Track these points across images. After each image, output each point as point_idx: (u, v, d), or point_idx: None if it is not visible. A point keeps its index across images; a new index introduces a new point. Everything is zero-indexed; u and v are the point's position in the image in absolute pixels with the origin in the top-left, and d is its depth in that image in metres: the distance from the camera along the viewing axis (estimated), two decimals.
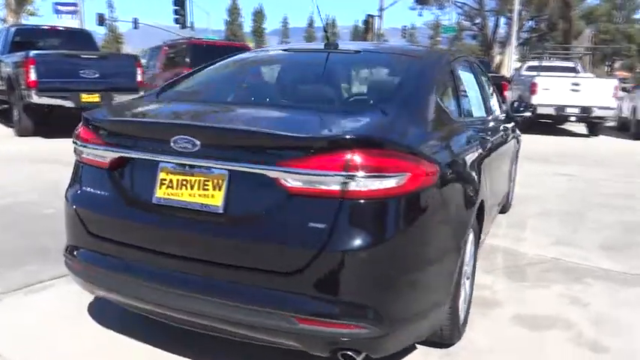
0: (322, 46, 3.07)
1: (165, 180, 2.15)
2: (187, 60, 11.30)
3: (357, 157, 1.88)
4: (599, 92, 12.42)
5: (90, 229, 2.32)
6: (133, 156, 2.23)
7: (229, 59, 3.27)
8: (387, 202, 1.93)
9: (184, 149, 2.06)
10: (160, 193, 2.16)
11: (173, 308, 2.12)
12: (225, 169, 2.03)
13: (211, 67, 3.17)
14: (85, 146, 2.36)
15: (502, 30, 38.05)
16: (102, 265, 2.28)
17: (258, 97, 2.93)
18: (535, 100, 12.53)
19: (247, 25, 76.31)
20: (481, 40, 39.94)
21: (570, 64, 15.48)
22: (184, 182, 2.12)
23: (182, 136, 2.05)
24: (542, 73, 13.27)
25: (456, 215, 2.34)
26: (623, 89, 15.22)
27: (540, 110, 12.53)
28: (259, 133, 2.05)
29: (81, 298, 2.85)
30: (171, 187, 2.14)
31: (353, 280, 1.91)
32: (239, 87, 3.14)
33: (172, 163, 2.13)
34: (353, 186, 1.88)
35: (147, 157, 2.19)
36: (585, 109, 12.40)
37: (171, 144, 2.08)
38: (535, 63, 15.19)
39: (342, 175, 1.88)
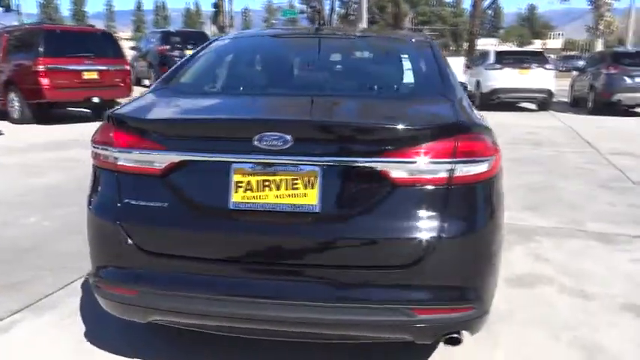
0: (318, 32, 3.02)
1: (241, 182, 1.95)
2: (41, 49, 9.98)
3: (461, 144, 1.90)
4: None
5: (143, 246, 2.02)
6: (196, 159, 1.98)
7: (230, 45, 3.08)
8: (483, 186, 1.99)
9: (272, 147, 1.88)
10: (237, 197, 1.95)
11: (257, 320, 1.96)
12: (317, 165, 1.91)
13: (212, 55, 2.92)
14: (125, 151, 2.03)
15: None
16: (163, 285, 2.00)
17: (308, 87, 2.72)
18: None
19: (65, 9, 69.48)
20: (320, 23, 41.28)
21: None
22: (267, 183, 1.94)
23: (271, 133, 1.88)
24: None
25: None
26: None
27: None
28: (365, 125, 1.97)
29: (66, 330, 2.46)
30: (251, 190, 1.95)
31: (463, 264, 1.95)
32: (277, 76, 2.92)
33: (250, 163, 1.93)
34: (458, 172, 1.90)
35: (216, 159, 1.97)
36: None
37: (255, 142, 1.89)
38: None
39: (449, 162, 1.89)
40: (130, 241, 2.02)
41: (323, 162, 1.90)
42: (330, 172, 1.91)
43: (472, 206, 1.97)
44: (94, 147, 2.14)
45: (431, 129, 1.92)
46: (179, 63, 2.81)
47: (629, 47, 18.05)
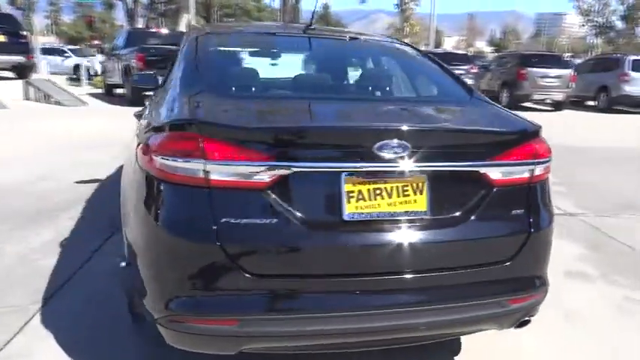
0: (308, 30, 2.94)
1: (352, 192, 1.87)
2: None
3: (539, 146, 2.10)
4: None
5: (248, 268, 1.80)
6: (306, 170, 1.83)
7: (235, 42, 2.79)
8: (547, 182, 2.21)
9: (391, 154, 1.84)
10: (351, 207, 1.86)
11: (367, 332, 1.92)
12: (425, 170, 1.92)
13: (221, 54, 2.64)
14: (222, 164, 1.77)
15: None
16: (271, 309, 1.83)
17: (362, 91, 2.66)
18: None
19: None
20: (127, 10, 38.43)
21: None
22: (378, 191, 1.89)
23: (393, 140, 1.84)
24: None
25: None
26: None
27: None
28: (470, 131, 2.02)
29: None
30: (363, 199, 1.88)
31: (541, 254, 2.15)
32: (320, 80, 2.74)
33: (364, 171, 1.87)
34: (536, 171, 2.09)
35: (326, 169, 1.85)
36: None
37: (375, 150, 1.83)
38: None
39: (532, 163, 2.07)
40: (232, 264, 1.79)
41: (430, 167, 1.93)
42: (435, 177, 1.95)
43: (544, 201, 2.17)
44: (162, 158, 1.83)
45: (518, 133, 2.08)
46: (186, 64, 2.50)
47: (432, 48, 20.86)
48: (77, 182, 5.37)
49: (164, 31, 17.18)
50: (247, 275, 1.80)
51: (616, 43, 25.48)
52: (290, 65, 2.89)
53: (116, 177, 5.68)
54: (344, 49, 3.13)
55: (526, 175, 2.07)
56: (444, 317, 1.96)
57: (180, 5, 21.04)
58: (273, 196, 1.81)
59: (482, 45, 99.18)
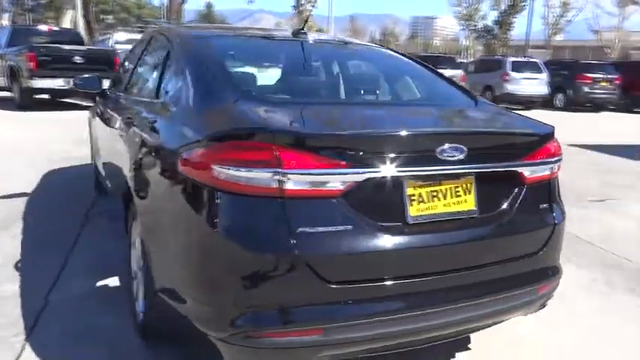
0: (304, 37, 2.94)
1: (413, 195, 1.93)
2: None
3: (556, 145, 2.29)
4: None
5: (328, 277, 1.78)
6: (377, 175, 1.85)
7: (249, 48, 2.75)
8: (558, 179, 2.41)
9: (449, 158, 1.92)
10: (414, 210, 1.92)
11: (435, 328, 1.99)
12: (473, 171, 2.03)
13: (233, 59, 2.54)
14: (299, 173, 1.74)
15: None
16: (351, 315, 1.82)
17: (387, 96, 2.69)
18: None
19: None
20: None
21: None
22: (434, 193, 1.97)
23: (452, 144, 1.91)
24: None
25: None
26: None
27: None
28: (509, 134, 2.14)
29: None
30: (423, 202, 1.94)
31: (560, 243, 2.34)
32: (337, 85, 2.69)
33: (422, 175, 1.93)
34: (555, 168, 2.29)
35: (394, 174, 1.88)
36: None
37: (437, 154, 1.90)
38: (124, 36, 15.11)
39: (552, 161, 2.26)
40: (312, 273, 1.76)
41: (477, 169, 2.04)
42: (480, 177, 2.06)
43: (559, 195, 2.37)
44: (229, 169, 1.75)
45: (542, 134, 2.25)
46: (202, 70, 2.38)
47: None
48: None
49: (54, 28, 15.88)
50: (327, 283, 1.78)
51: (492, 45, 28.03)
52: (308, 71, 2.85)
53: (43, 187, 5.24)
54: (350, 55, 3.17)
55: (547, 172, 2.25)
56: (492, 308, 2.09)
57: (63, 1, 19.45)
58: (346, 202, 1.81)
59: None
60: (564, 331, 2.82)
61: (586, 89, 17.53)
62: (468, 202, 2.04)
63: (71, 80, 11.56)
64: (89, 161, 6.26)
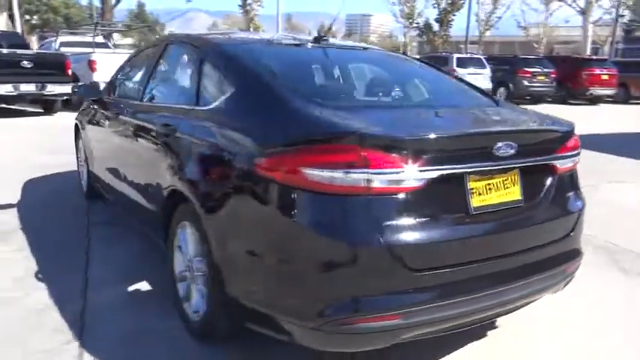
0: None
1: (474, 189, 2.14)
2: None
3: (576, 140, 2.57)
4: None
5: (411, 265, 1.96)
6: (447, 172, 2.05)
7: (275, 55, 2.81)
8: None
9: (504, 153, 2.15)
10: (475, 202, 2.14)
11: (489, 308, 2.21)
12: (518, 165, 2.27)
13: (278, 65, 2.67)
14: (384, 173, 1.91)
15: None
16: (430, 299, 2.01)
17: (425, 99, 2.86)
18: (97, 77, 12.41)
19: None
20: None
21: (100, 40, 15.58)
22: (489, 186, 2.19)
23: (506, 142, 2.14)
24: (97, 50, 13.10)
25: None
26: None
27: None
28: (549, 131, 2.38)
29: None
30: (481, 194, 2.16)
31: (582, 226, 2.62)
32: (372, 87, 2.81)
33: (481, 170, 2.15)
34: (575, 160, 2.57)
35: (459, 170, 2.09)
36: None
37: (494, 151, 2.12)
38: (67, 38, 14.58)
39: (575, 155, 2.53)
40: (397, 262, 1.94)
41: (522, 163, 2.28)
42: (523, 170, 2.30)
43: (579, 184, 2.66)
44: (314, 170, 1.90)
45: (568, 130, 2.51)
46: (256, 79, 2.50)
47: None
48: None
49: None
50: (408, 270, 1.97)
51: (434, 42, 29.10)
52: (352, 76, 3.02)
53: (31, 197, 5.11)
54: (380, 60, 3.36)
55: (571, 164, 2.52)
56: (535, 287, 2.34)
57: None
58: (421, 197, 2.00)
59: None
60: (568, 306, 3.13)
61: (526, 83, 18.54)
62: (514, 193, 2.27)
63: (20, 86, 11.27)
64: (68, 169, 6.20)
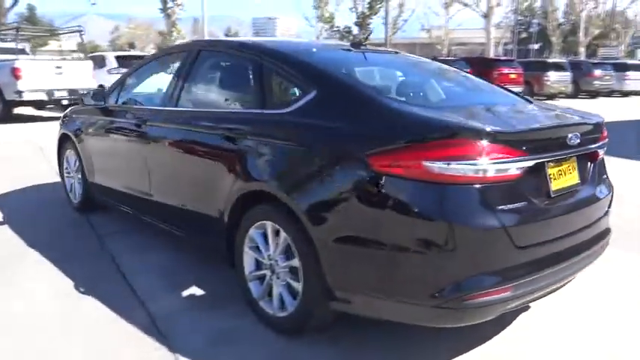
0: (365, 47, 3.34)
1: (551, 174, 2.46)
2: None
3: (605, 130, 2.98)
4: (80, 74, 12.82)
5: (519, 243, 2.23)
6: (538, 160, 2.35)
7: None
8: None
9: (573, 144, 2.50)
10: (553, 186, 2.46)
11: (564, 278, 2.55)
12: (578, 153, 2.62)
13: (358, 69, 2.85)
14: (499, 163, 2.19)
15: None
16: (533, 272, 2.31)
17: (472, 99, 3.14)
18: (22, 86, 11.73)
19: None
20: None
21: (15, 46, 14.53)
22: (560, 172, 2.52)
23: (574, 133, 2.49)
24: (20, 57, 12.29)
25: None
26: None
27: (28, 96, 11.91)
28: (596, 123, 2.74)
29: None
30: (555, 179, 2.49)
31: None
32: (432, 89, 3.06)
33: (557, 159, 2.49)
34: (605, 148, 2.97)
35: (544, 159, 2.40)
36: (72, 92, 12.56)
37: (567, 141, 2.47)
38: None
39: (606, 143, 2.94)
40: (510, 241, 2.22)
41: (581, 151, 2.63)
42: (578, 157, 2.67)
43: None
44: (436, 163, 2.13)
45: (602, 123, 2.89)
46: (346, 83, 2.70)
47: None
48: None
49: None
50: (516, 248, 2.25)
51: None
52: (420, 78, 3.26)
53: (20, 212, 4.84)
54: (426, 64, 3.65)
55: (602, 151, 2.93)
56: (589, 259, 2.71)
57: None
58: (520, 184, 2.30)
59: None
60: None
61: None
62: (574, 177, 2.63)
63: None
64: (37, 182, 5.93)
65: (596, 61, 26.91)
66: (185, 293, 3.28)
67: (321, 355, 2.62)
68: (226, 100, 3.37)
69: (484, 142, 2.18)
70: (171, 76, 3.67)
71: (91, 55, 16.21)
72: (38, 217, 4.81)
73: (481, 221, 2.18)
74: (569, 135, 2.49)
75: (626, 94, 24.57)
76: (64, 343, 2.71)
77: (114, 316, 2.97)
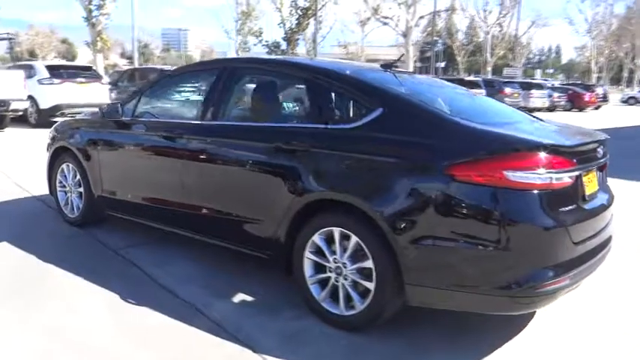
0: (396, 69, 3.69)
1: (584, 182, 2.93)
2: None
3: None
4: (10, 84, 12.11)
5: (574, 239, 2.67)
6: (580, 171, 2.81)
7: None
8: None
9: (599, 155, 3.00)
10: (587, 190, 2.93)
11: (593, 270, 3.00)
12: (599, 164, 3.12)
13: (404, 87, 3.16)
14: (561, 173, 2.64)
15: None
16: (584, 262, 2.75)
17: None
18: None
19: None
20: None
21: None
22: (588, 180, 2.99)
23: (601, 147, 3.00)
24: None
25: None
26: None
27: None
28: (605, 138, 3.24)
29: None
30: (587, 185, 2.96)
31: None
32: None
33: (589, 168, 2.96)
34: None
35: (583, 169, 2.86)
36: (2, 103, 11.85)
37: (596, 153, 2.96)
38: None
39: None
40: (569, 238, 2.65)
41: (599, 162, 3.12)
42: (597, 167, 3.16)
43: None
44: (515, 172, 2.51)
45: (607, 138, 3.43)
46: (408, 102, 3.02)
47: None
48: None
49: None
50: (572, 243, 2.69)
51: None
52: (457, 98, 3.63)
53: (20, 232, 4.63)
54: (445, 85, 4.05)
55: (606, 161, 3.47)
56: (606, 256, 3.20)
57: None
58: (570, 190, 2.74)
59: (116, 58, 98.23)
60: None
61: None
62: (594, 184, 3.11)
63: None
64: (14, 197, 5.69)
65: (506, 80, 29.25)
66: (235, 300, 3.40)
67: (392, 345, 2.91)
68: (283, 115, 3.58)
69: (551, 155, 2.61)
70: (209, 91, 3.76)
71: (18, 64, 15.27)
72: (32, 235, 4.63)
73: (551, 222, 2.60)
74: (598, 149, 2.99)
75: (531, 110, 26.81)
76: (136, 351, 2.78)
77: (176, 323, 3.06)
